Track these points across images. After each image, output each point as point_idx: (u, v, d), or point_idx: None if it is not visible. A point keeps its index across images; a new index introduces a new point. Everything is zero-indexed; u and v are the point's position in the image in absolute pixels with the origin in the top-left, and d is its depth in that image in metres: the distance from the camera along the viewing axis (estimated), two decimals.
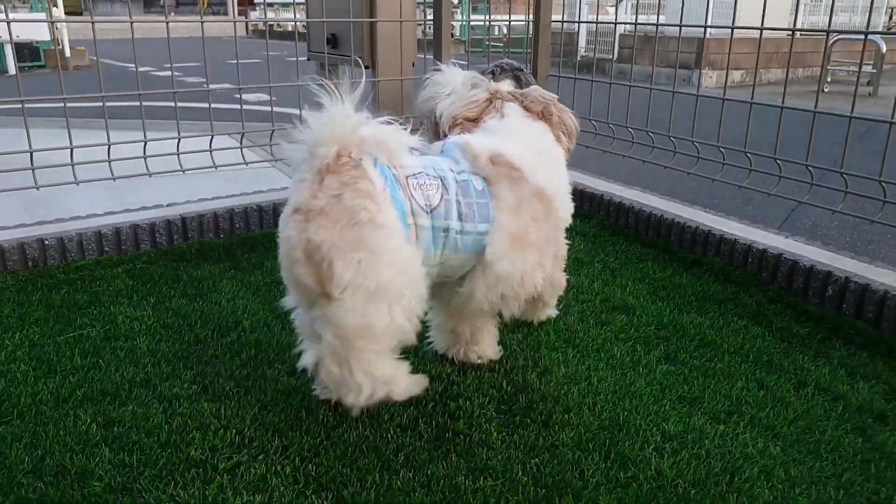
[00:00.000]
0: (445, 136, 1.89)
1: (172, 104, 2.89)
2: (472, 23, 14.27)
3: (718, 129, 2.78)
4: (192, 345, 1.96)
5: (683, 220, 2.65)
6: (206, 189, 3.34)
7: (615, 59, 12.04)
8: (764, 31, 2.56)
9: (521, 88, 2.05)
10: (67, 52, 12.98)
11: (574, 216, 2.01)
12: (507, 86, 2.02)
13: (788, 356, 1.96)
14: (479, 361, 1.89)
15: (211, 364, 1.86)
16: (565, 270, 2.10)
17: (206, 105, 3.06)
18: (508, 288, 1.68)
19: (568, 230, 2.65)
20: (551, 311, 2.11)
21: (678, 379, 1.84)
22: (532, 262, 1.68)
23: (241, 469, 1.45)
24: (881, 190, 2.29)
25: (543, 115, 1.91)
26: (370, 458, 1.50)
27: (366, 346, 1.50)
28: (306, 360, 1.59)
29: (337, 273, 1.43)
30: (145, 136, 2.74)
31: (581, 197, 3.16)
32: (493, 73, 2.44)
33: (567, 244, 2.01)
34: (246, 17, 25.63)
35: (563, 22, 4.05)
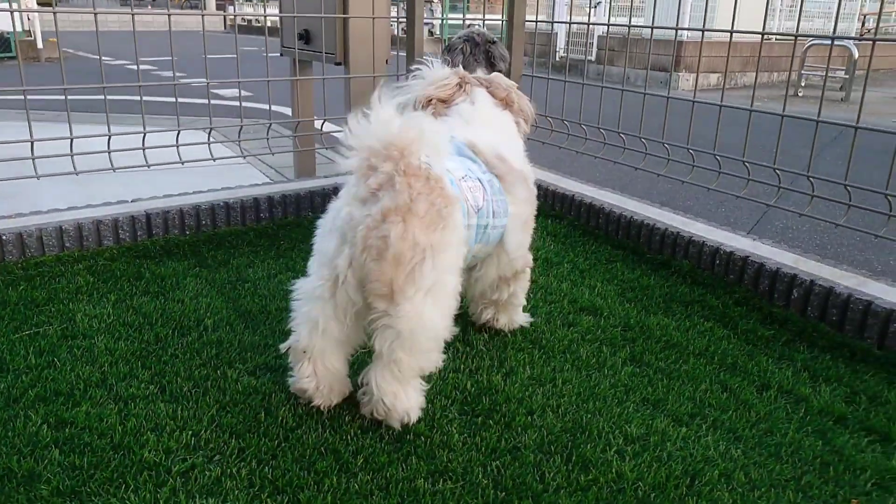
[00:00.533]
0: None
1: (149, 98, 2.84)
2: (450, 21, 14.26)
3: (689, 131, 2.78)
4: (151, 343, 1.92)
5: (653, 222, 2.66)
6: (174, 185, 3.28)
7: (591, 60, 12.09)
8: (735, 34, 2.57)
9: (494, 61, 2.17)
10: (40, 44, 12.76)
11: (545, 216, 2.02)
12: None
13: (753, 358, 1.97)
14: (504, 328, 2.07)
15: (170, 364, 1.82)
16: (535, 270, 2.19)
17: (181, 100, 3.02)
18: (513, 266, 1.93)
19: (539, 230, 2.68)
20: (523, 319, 2.10)
21: (643, 381, 1.84)
22: (528, 240, 1.98)
23: (196, 472, 1.42)
24: (847, 194, 2.30)
25: (506, 101, 2.03)
26: (328, 460, 1.48)
27: (431, 350, 1.57)
28: (290, 343, 1.63)
29: (423, 274, 1.48)
30: (109, 130, 2.69)
31: (553, 197, 3.15)
32: (462, 47, 2.43)
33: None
34: (224, 12, 25.38)
35: (535, 22, 4.05)
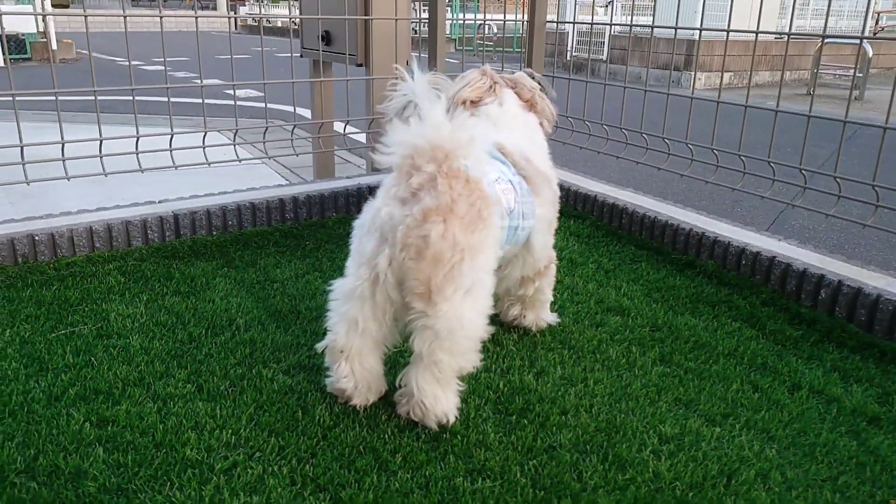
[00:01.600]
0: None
1: (160, 99, 2.87)
2: (463, 22, 14.27)
3: (713, 131, 2.79)
4: (185, 343, 1.94)
5: (677, 222, 2.66)
6: (197, 185, 3.32)
7: (603, 59, 12.09)
8: (752, 33, 2.57)
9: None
10: (54, 45, 12.85)
11: (567, 216, 2.04)
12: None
13: (782, 359, 1.97)
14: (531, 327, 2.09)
15: (205, 363, 1.84)
16: (560, 271, 2.22)
17: (193, 100, 3.04)
18: (536, 266, 1.96)
19: (562, 230, 2.70)
20: (551, 318, 2.11)
21: (674, 381, 1.85)
22: (552, 240, 2.01)
23: (238, 469, 1.44)
24: (875, 195, 2.30)
25: (531, 103, 2.07)
26: (368, 458, 1.49)
27: (470, 350, 1.58)
28: (327, 342, 1.64)
29: (462, 273, 1.50)
30: (137, 132, 2.72)
31: (574, 198, 3.16)
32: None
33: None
34: (236, 13, 25.50)
35: (548, 22, 4.05)
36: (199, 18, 2.85)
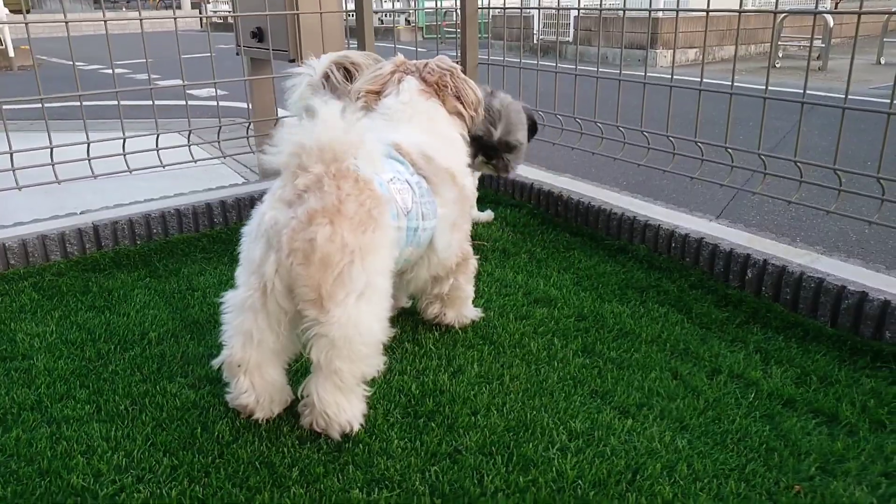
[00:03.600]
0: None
1: (124, 102, 2.80)
2: (426, 10, 14.15)
3: (667, 118, 2.72)
4: (92, 360, 1.88)
5: (610, 207, 2.62)
6: (156, 189, 3.23)
7: (569, 41, 12.01)
8: (707, 12, 2.53)
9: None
10: (11, 52, 12.61)
11: (504, 206, 1.97)
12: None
13: (706, 342, 1.94)
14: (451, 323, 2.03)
15: (109, 381, 1.78)
16: (491, 262, 2.25)
17: (159, 102, 2.98)
18: (444, 265, 1.90)
19: (497, 220, 2.65)
20: (473, 314, 2.06)
21: (593, 372, 1.81)
22: (458, 240, 1.92)
23: (124, 495, 1.38)
24: (838, 179, 2.27)
25: (437, 86, 1.96)
26: (263, 474, 1.44)
27: (369, 356, 1.53)
28: (223, 358, 1.58)
29: (353, 277, 1.44)
30: (87, 138, 2.64)
31: (512, 186, 3.11)
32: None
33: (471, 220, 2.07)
34: (200, 12, 25.14)
35: (503, 9, 3.98)
36: (165, 20, 2.75)
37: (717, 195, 4.59)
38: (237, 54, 3.99)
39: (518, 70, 3.32)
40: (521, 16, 4.53)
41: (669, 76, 2.73)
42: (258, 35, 3.62)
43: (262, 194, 2.87)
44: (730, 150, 2.53)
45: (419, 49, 3.51)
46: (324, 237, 1.42)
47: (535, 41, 13.21)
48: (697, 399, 1.69)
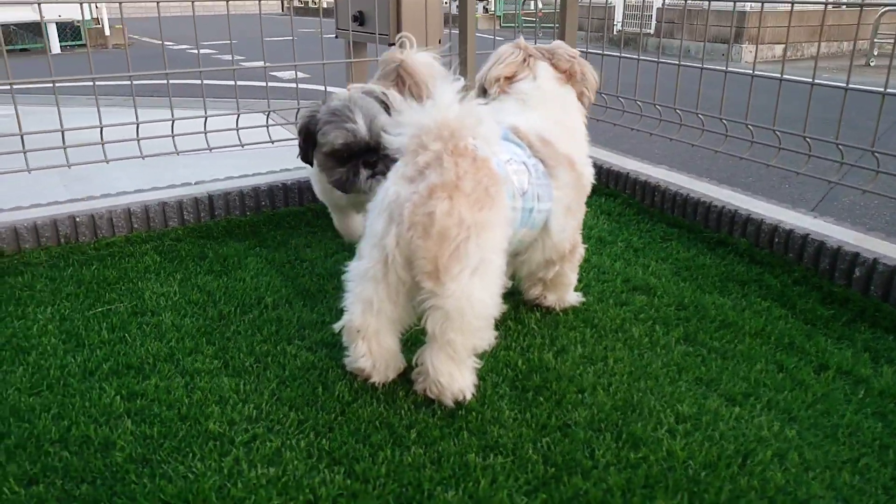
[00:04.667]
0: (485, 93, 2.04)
1: (210, 82, 2.94)
2: None
3: (747, 106, 2.71)
4: (215, 321, 2.00)
5: (710, 199, 2.61)
6: (235, 166, 3.38)
7: (650, 33, 11.80)
8: (797, 3, 2.49)
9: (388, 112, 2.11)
10: (107, 31, 13.19)
11: (599, 195, 2.01)
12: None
13: (811, 339, 1.93)
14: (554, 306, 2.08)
15: (233, 339, 1.90)
16: (588, 249, 2.23)
17: (242, 83, 3.11)
18: (558, 249, 1.94)
19: (592, 209, 2.67)
20: (574, 299, 2.10)
21: (696, 360, 1.83)
22: (573, 226, 1.96)
23: (258, 443, 1.49)
24: None
25: (569, 73, 2.01)
26: (383, 433, 1.53)
27: (481, 329, 1.59)
28: (344, 322, 1.67)
29: (468, 252, 1.50)
30: (172, 115, 2.79)
31: (607, 176, 3.13)
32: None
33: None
34: None
35: None
36: (248, 2, 2.89)
37: (805, 195, 4.48)
38: (336, 37, 4.10)
39: (600, 59, 3.32)
40: (605, 6, 4.49)
41: (753, 70, 2.70)
42: (359, 19, 3.72)
43: None
44: (840, 147, 2.49)
45: (497, 38, 3.55)
46: (442, 211, 1.48)
47: (614, 32, 13.03)
48: (805, 392, 1.70)
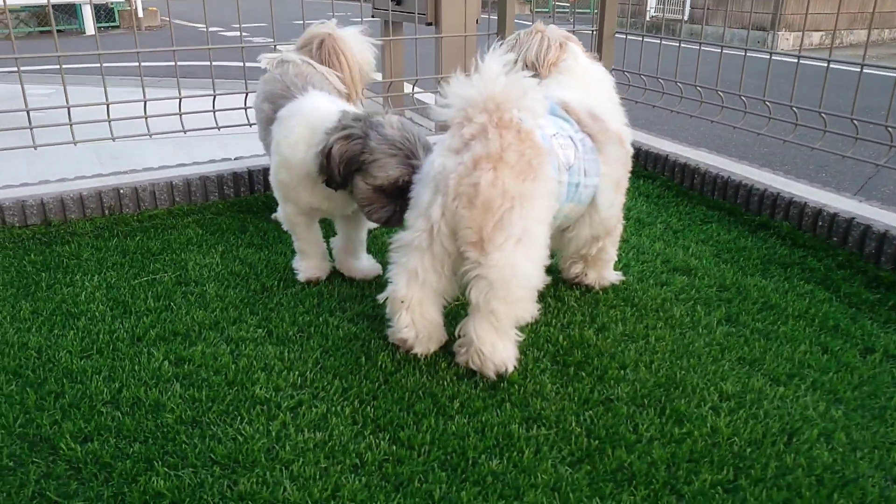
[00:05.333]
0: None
1: (238, 63, 2.96)
2: None
3: (792, 89, 2.67)
4: (258, 292, 2.03)
5: (751, 182, 2.58)
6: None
7: (686, 20, 11.63)
8: None
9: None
10: (140, 13, 13.31)
11: (637, 176, 1.99)
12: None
13: (856, 322, 1.91)
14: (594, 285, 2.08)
15: (276, 310, 1.92)
16: (626, 230, 2.20)
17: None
18: (605, 225, 1.94)
19: (630, 190, 2.65)
20: (614, 277, 2.10)
21: (738, 340, 1.82)
22: (620, 200, 1.97)
23: (303, 408, 1.51)
24: None
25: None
26: (426, 402, 1.54)
27: (525, 299, 1.60)
28: (388, 293, 1.68)
29: (512, 222, 1.51)
30: (214, 91, 2.81)
31: (645, 158, 3.10)
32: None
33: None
34: None
35: None
36: None
37: (842, 184, 4.41)
38: (373, 17, 4.10)
39: (628, 44, 3.28)
40: None
41: (793, 57, 2.64)
42: None
43: None
44: (889, 129, 2.44)
45: (526, 22, 3.52)
46: (487, 182, 1.49)
47: (647, 17, 12.87)
48: (851, 374, 1.68)
